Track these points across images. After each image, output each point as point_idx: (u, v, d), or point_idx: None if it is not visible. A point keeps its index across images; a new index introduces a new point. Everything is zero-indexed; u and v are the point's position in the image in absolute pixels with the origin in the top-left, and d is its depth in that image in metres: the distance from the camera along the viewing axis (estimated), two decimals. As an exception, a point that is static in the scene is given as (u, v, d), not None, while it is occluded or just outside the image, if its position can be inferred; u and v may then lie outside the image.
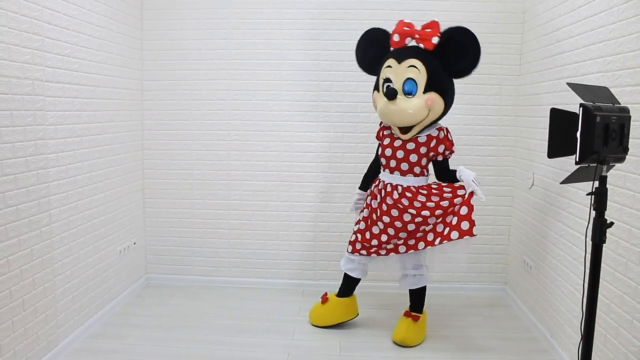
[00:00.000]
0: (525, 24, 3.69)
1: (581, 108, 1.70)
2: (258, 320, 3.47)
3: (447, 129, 3.06)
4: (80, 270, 3.15)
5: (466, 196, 2.90)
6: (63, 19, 2.87)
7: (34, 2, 2.60)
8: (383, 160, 3.14)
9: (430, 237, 3.00)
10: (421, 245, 3.03)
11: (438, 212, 2.96)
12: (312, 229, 4.02)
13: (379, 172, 3.21)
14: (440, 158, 3.06)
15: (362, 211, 3.27)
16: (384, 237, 3.08)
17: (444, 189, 3.00)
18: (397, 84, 2.92)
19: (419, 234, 3.04)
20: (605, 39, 2.55)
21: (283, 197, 3.98)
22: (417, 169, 3.04)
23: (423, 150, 3.01)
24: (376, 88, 3.09)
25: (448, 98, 2.97)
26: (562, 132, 1.78)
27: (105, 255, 3.44)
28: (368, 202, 3.22)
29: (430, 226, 3.01)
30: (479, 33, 3.69)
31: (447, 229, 2.92)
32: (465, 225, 2.86)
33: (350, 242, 3.26)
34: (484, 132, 3.84)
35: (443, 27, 2.90)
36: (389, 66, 2.95)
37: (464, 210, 2.88)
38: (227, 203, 4.03)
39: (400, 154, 3.04)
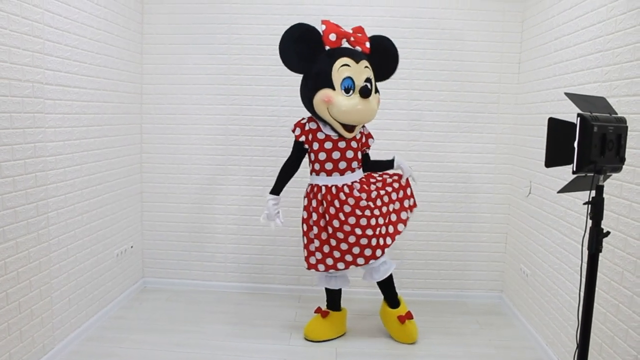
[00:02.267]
0: (523, 33, 3.71)
1: (579, 118, 1.71)
2: (254, 325, 3.47)
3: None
4: (77, 273, 3.14)
5: (403, 181, 3.28)
6: (64, 22, 2.87)
7: (35, 5, 2.61)
8: (329, 165, 3.07)
9: (382, 241, 3.10)
10: (378, 252, 3.07)
11: (388, 188, 3.21)
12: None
13: (292, 176, 3.20)
14: (367, 150, 3.27)
15: (309, 228, 3.15)
16: (343, 246, 3.06)
17: (383, 175, 3.29)
18: (359, 83, 2.93)
19: (373, 240, 3.04)
20: (603, 49, 2.57)
21: (280, 202, 3.97)
22: (354, 164, 3.13)
23: (355, 145, 3.11)
24: (327, 85, 2.91)
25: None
26: (559, 142, 1.79)
27: (102, 258, 3.44)
28: (306, 216, 3.16)
29: (382, 219, 3.12)
30: (478, 42, 3.75)
31: (395, 218, 3.24)
32: (407, 202, 3.28)
33: (317, 262, 3.15)
34: (481, 140, 3.85)
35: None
36: (347, 65, 2.90)
37: (408, 191, 3.29)
38: (224, 208, 4.03)
39: (350, 153, 3.08)
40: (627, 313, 2.28)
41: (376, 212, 3.09)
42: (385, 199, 3.18)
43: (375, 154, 3.85)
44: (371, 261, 3.08)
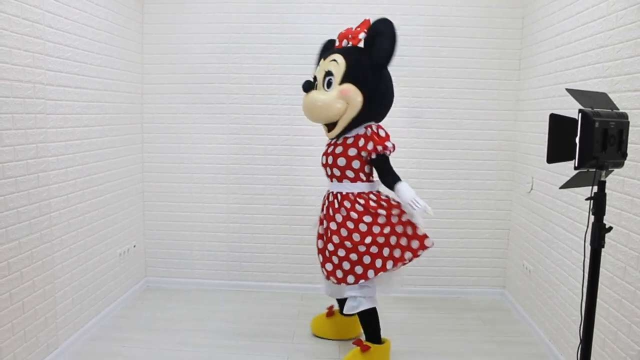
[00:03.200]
0: (524, 29, 3.70)
1: (580, 114, 1.72)
2: (257, 323, 3.48)
3: (377, 125, 2.86)
4: (80, 273, 3.15)
5: (404, 217, 2.79)
6: (64, 22, 2.88)
7: (35, 6, 2.61)
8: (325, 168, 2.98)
9: (378, 263, 2.77)
10: (351, 278, 2.80)
11: (393, 219, 2.79)
12: (311, 233, 4.01)
13: None
14: (373, 156, 2.78)
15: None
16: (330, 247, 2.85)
17: (381, 203, 2.82)
18: (319, 79, 2.89)
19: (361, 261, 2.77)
20: (604, 44, 2.57)
21: (282, 200, 3.99)
22: (349, 173, 2.83)
23: (352, 152, 2.81)
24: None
25: (368, 89, 2.79)
26: (561, 138, 1.79)
27: (105, 258, 3.45)
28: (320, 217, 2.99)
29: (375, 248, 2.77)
30: (478, 38, 3.74)
31: (397, 251, 2.80)
32: (415, 244, 2.81)
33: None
34: (483, 136, 3.85)
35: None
36: (317, 64, 2.97)
37: (409, 230, 2.81)
38: (226, 206, 4.03)
39: (330, 159, 2.88)
40: (630, 308, 2.28)
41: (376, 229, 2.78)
42: (387, 229, 2.79)
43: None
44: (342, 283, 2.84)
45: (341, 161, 2.83)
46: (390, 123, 3.83)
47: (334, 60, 2.84)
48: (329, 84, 2.82)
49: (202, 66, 3.91)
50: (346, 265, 2.79)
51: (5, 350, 2.48)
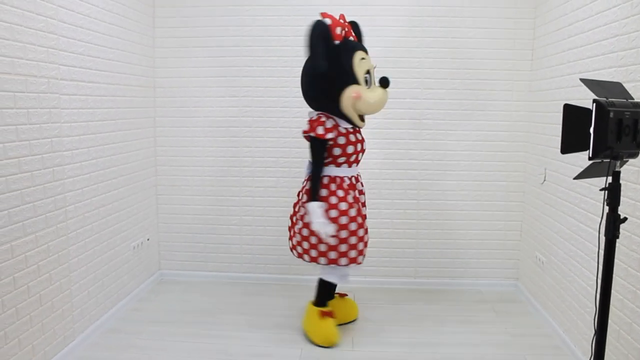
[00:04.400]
0: (537, 19, 3.67)
1: (594, 104, 1.70)
2: (271, 315, 3.50)
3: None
4: (96, 266, 3.19)
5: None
6: (77, 17, 2.90)
7: (49, 1, 2.63)
8: (350, 157, 3.01)
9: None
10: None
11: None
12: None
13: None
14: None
15: (352, 220, 2.98)
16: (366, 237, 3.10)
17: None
18: (373, 74, 3.02)
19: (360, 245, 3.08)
20: (619, 33, 2.54)
21: (295, 193, 3.99)
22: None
23: (360, 137, 3.14)
24: (354, 82, 2.87)
25: None
26: (575, 128, 1.78)
27: (119, 251, 3.48)
28: (342, 208, 2.96)
29: None
30: (490, 28, 3.72)
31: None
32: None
33: (356, 254, 3.00)
34: (495, 127, 3.83)
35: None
36: (364, 58, 2.93)
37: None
38: (239, 199, 4.05)
39: (362, 146, 3.12)
40: (645, 299, 2.27)
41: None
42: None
43: (388, 144, 3.86)
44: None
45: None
46: (402, 115, 3.85)
47: (367, 57, 3.00)
48: (366, 81, 2.95)
49: (213, 59, 3.92)
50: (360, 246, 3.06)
51: (24, 342, 2.52)
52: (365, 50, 2.97)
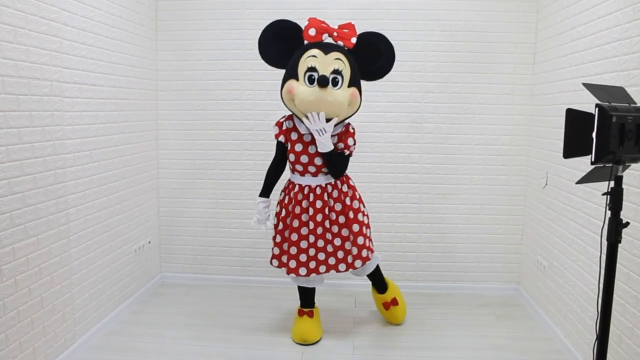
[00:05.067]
0: (538, 23, 3.67)
1: (597, 108, 1.70)
2: (272, 318, 3.50)
3: (352, 127, 3.06)
4: (97, 269, 3.19)
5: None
6: (80, 20, 2.90)
7: (52, 5, 2.64)
8: (300, 167, 3.03)
9: (341, 266, 3.10)
10: (358, 263, 3.09)
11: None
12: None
13: (279, 176, 3.20)
14: (346, 152, 3.03)
15: (287, 227, 3.09)
16: (320, 243, 3.05)
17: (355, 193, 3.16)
18: (323, 73, 2.81)
19: (339, 252, 3.07)
20: (621, 38, 2.54)
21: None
22: (325, 168, 3.03)
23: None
24: (293, 76, 2.88)
25: (361, 97, 2.97)
26: (577, 133, 1.78)
27: (120, 254, 3.49)
28: (282, 214, 3.12)
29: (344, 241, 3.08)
30: (492, 32, 3.72)
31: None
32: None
33: (298, 266, 3.07)
34: (497, 131, 3.83)
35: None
36: (314, 56, 2.83)
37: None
38: (240, 202, 4.05)
39: (318, 160, 2.99)
40: (647, 304, 2.27)
41: (360, 217, 3.10)
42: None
43: (389, 148, 3.86)
44: (350, 270, 3.13)
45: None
46: (403, 118, 3.85)
47: (339, 59, 2.85)
48: (335, 83, 2.84)
49: (216, 62, 3.92)
50: (354, 251, 3.11)
51: (25, 344, 2.52)
52: (324, 50, 2.84)
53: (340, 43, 2.93)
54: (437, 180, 3.89)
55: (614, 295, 2.41)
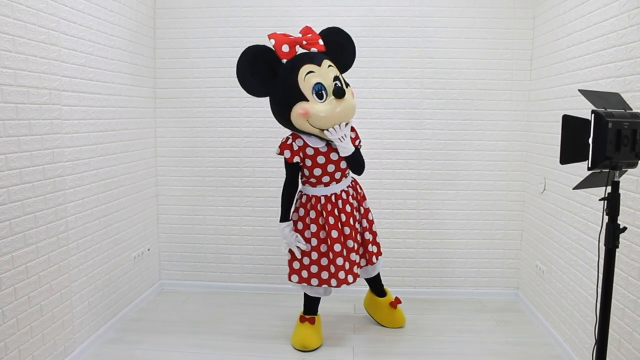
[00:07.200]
0: (535, 29, 3.70)
1: (593, 114, 1.72)
2: (271, 325, 3.49)
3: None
4: (96, 277, 3.19)
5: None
6: (79, 29, 2.92)
7: (50, 14, 2.65)
8: (325, 178, 3.01)
9: (362, 262, 3.24)
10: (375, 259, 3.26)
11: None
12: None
13: (294, 197, 3.11)
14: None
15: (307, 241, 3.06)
16: (355, 246, 3.08)
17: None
18: (329, 85, 2.84)
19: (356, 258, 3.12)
20: (617, 44, 2.56)
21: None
22: (348, 171, 3.13)
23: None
24: (299, 99, 2.83)
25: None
26: (574, 139, 1.79)
27: (119, 261, 3.48)
28: (312, 230, 3.03)
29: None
30: (489, 39, 3.74)
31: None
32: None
33: (309, 276, 3.08)
34: (495, 137, 3.85)
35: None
36: (312, 71, 2.81)
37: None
38: (239, 209, 4.06)
39: (343, 164, 3.03)
40: (646, 308, 2.27)
41: (371, 217, 3.27)
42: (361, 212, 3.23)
43: (388, 154, 3.87)
44: (368, 266, 3.26)
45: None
46: (402, 125, 3.86)
47: (331, 65, 2.93)
48: (320, 94, 2.88)
49: (214, 70, 3.94)
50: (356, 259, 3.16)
51: (25, 352, 2.52)
52: (316, 62, 2.85)
53: (314, 49, 2.94)
54: (435, 186, 3.89)
55: (613, 300, 2.42)
